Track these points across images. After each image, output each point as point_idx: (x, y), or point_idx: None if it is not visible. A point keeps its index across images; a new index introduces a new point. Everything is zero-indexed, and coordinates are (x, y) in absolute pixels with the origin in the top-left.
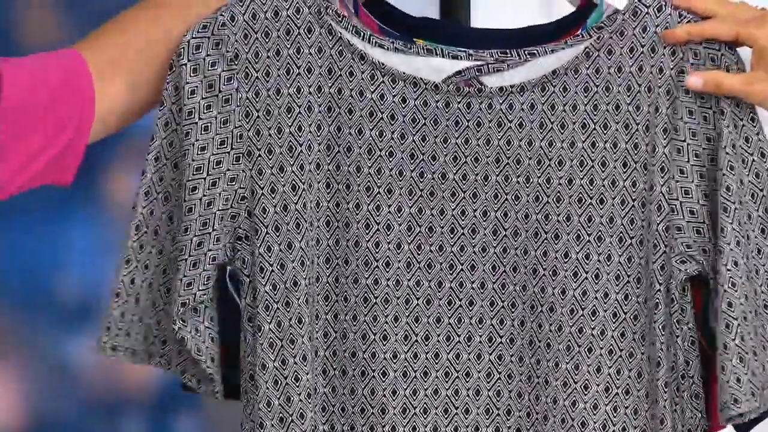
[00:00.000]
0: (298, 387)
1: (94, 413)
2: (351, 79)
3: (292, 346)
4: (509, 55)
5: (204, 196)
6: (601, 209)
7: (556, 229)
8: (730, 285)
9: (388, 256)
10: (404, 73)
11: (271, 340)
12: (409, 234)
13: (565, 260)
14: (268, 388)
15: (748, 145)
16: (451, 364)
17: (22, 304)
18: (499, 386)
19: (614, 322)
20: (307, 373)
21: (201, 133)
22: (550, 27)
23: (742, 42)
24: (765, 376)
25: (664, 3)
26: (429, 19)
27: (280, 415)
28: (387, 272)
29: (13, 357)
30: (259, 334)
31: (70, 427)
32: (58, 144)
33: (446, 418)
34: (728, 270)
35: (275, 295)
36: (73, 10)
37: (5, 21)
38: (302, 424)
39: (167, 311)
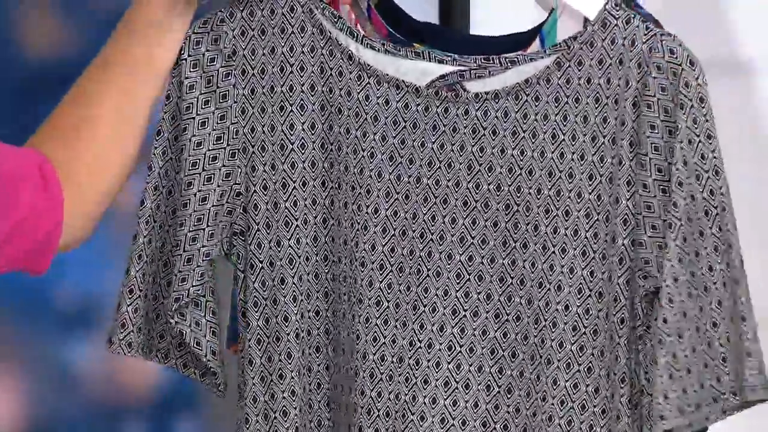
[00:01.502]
0: (281, 384)
1: (94, 417)
2: (340, 79)
3: (277, 344)
4: (491, 62)
5: (199, 191)
6: (566, 221)
7: (524, 238)
8: (666, 301)
9: (363, 256)
10: (388, 75)
11: (258, 336)
12: (384, 236)
13: (532, 270)
14: (254, 384)
15: (704, 161)
16: (448, 366)
17: (22, 308)
18: (496, 400)
19: (573, 335)
20: (292, 371)
21: (198, 129)
22: (526, 35)
23: None
24: (703, 393)
25: (632, 16)
26: (431, 25)
27: (264, 411)
28: (362, 272)
29: (13, 361)
30: (248, 329)
31: (70, 430)
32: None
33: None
34: (667, 286)
35: (264, 291)
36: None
37: (4, 21)
38: (285, 421)
39: (166, 305)
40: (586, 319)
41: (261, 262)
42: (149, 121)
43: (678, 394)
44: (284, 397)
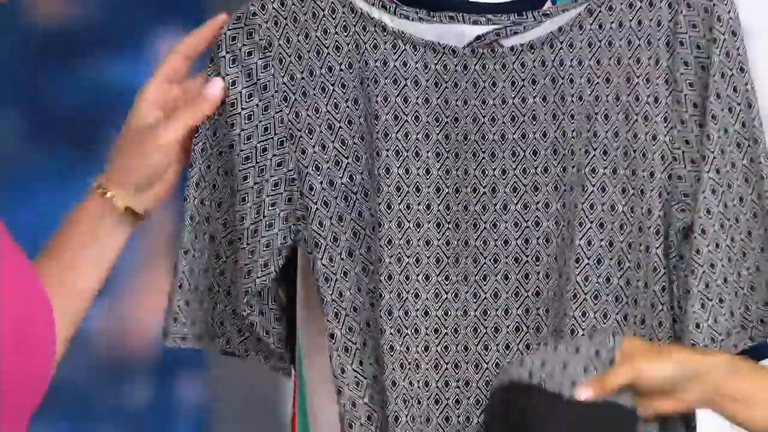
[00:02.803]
0: (348, 356)
1: (102, 376)
2: (375, 51)
3: (356, 313)
4: (525, 17)
5: (255, 184)
6: (604, 161)
7: (571, 181)
8: (700, 232)
9: (418, 218)
10: (423, 39)
11: (336, 310)
12: (438, 195)
13: (574, 212)
14: (339, 356)
15: (736, 94)
16: (479, 320)
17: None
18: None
19: (619, 270)
20: (355, 343)
21: (245, 123)
22: None
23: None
24: (732, 322)
25: None
26: None
27: (339, 382)
28: (418, 233)
29: None
30: (323, 304)
31: (79, 389)
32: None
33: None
34: (699, 218)
35: (332, 267)
36: None
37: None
38: (349, 389)
39: (223, 294)
40: (630, 254)
41: (324, 239)
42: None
43: (710, 323)
44: (354, 369)
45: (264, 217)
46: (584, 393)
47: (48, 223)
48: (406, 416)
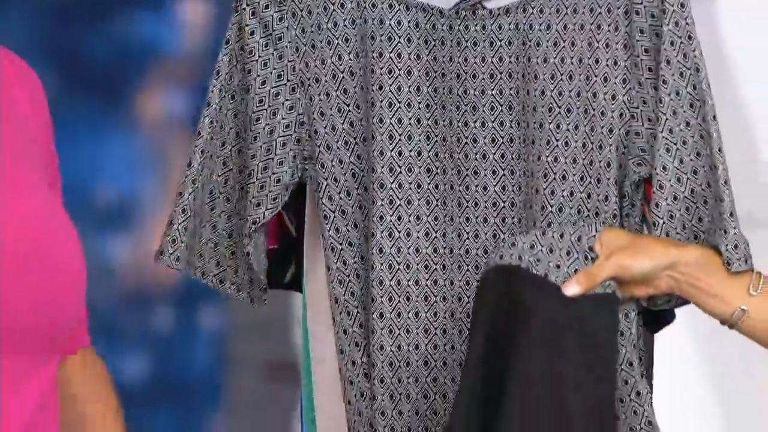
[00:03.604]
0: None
1: (127, 305)
2: (374, 10)
3: (351, 248)
4: None
5: (267, 125)
6: (567, 118)
7: (533, 135)
8: (658, 188)
9: (410, 163)
10: (415, 0)
11: (332, 244)
12: (428, 143)
13: (537, 162)
14: (334, 287)
15: (686, 60)
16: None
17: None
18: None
19: (578, 217)
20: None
21: (261, 69)
22: None
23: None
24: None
25: None
26: None
27: (333, 310)
28: (409, 177)
29: None
30: (322, 239)
31: (106, 317)
32: None
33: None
34: (656, 174)
35: (331, 204)
36: None
37: None
38: (345, 321)
39: (209, 228)
40: (588, 203)
41: (326, 179)
42: None
43: None
44: (346, 299)
45: (275, 155)
46: (573, 289)
47: (78, 178)
48: (390, 345)
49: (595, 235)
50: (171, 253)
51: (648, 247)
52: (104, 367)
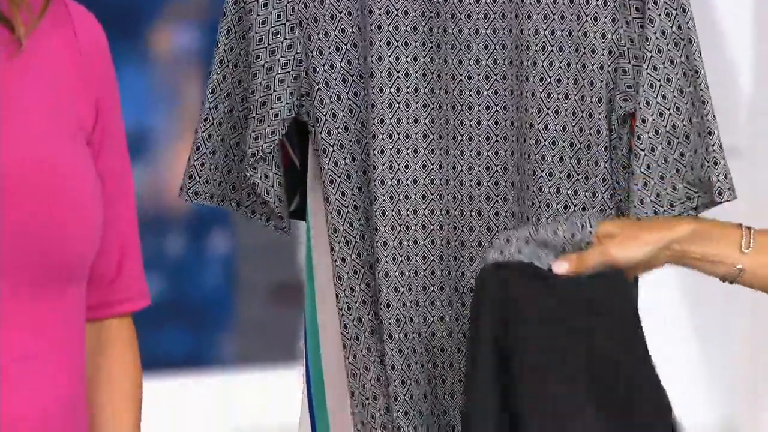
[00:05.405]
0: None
1: (141, 229)
2: None
3: (349, 181)
4: None
5: (266, 62)
6: (560, 55)
7: (526, 73)
8: (640, 121)
9: (407, 99)
10: None
11: (330, 177)
12: (424, 79)
13: (532, 99)
14: (333, 217)
15: (673, 1)
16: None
17: None
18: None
19: (571, 150)
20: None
21: (261, 9)
22: None
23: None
24: (675, 195)
25: None
26: None
27: (331, 240)
28: (407, 112)
29: None
30: (321, 172)
31: None
32: None
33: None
34: (640, 108)
35: (329, 139)
36: None
37: None
38: (343, 250)
39: (236, 162)
40: (581, 136)
41: (324, 115)
42: None
43: (652, 198)
44: (345, 228)
45: (275, 91)
46: (560, 267)
47: None
48: (395, 272)
49: (590, 231)
50: (189, 188)
51: (639, 233)
52: (137, 361)
